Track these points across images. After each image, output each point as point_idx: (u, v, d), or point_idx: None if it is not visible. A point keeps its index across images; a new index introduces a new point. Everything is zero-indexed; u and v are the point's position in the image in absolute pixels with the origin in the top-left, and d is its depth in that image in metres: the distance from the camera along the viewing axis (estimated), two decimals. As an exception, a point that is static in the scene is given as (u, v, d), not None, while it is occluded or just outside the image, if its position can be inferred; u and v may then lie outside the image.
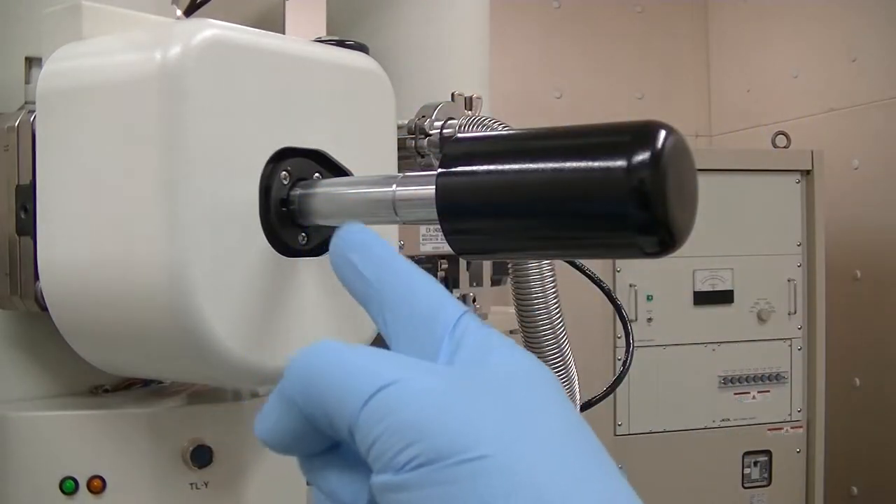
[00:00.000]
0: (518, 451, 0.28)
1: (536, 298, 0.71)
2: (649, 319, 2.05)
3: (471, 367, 0.31)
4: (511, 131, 0.41)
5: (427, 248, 0.93)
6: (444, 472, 0.28)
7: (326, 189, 0.47)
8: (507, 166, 0.37)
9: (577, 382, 0.76)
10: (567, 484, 0.28)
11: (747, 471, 2.10)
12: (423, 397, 0.29)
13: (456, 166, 0.39)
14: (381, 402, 0.29)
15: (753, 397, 2.10)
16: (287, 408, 0.31)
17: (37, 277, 0.50)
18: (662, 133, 0.33)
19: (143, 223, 0.44)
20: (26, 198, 0.51)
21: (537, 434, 0.29)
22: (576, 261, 0.85)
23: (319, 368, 0.31)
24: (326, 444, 0.32)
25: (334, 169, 0.50)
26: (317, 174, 0.49)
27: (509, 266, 0.74)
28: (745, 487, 2.09)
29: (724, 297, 2.08)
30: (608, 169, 0.34)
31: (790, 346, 2.12)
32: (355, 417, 0.29)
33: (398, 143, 0.58)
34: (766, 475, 2.11)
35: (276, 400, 0.32)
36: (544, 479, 0.28)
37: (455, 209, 0.39)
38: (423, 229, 0.93)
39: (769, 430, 2.11)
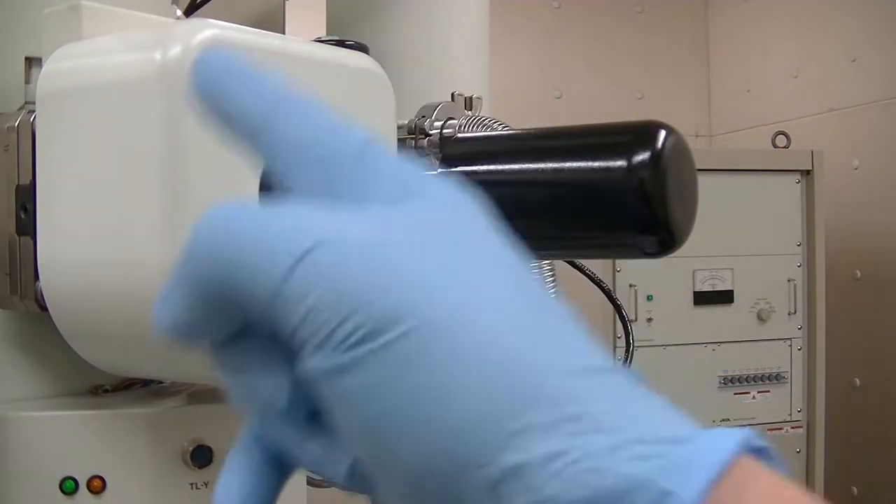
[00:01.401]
0: (470, 313, 0.24)
1: (536, 298, 0.71)
2: (649, 319, 2.05)
3: (399, 208, 0.26)
4: (511, 131, 0.41)
5: (427, 248, 0.93)
6: (392, 346, 0.23)
7: (326, 189, 0.47)
8: (507, 166, 0.37)
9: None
10: (520, 343, 0.24)
11: (747, 471, 2.10)
12: (358, 257, 0.24)
13: (456, 166, 0.39)
14: (306, 269, 0.24)
15: (753, 397, 2.10)
16: (191, 293, 0.26)
17: (37, 277, 0.50)
18: (662, 133, 0.33)
19: (142, 223, 0.44)
20: (26, 198, 0.51)
21: (487, 288, 0.25)
22: (576, 261, 0.85)
23: (229, 235, 0.25)
24: (235, 328, 0.27)
25: (334, 169, 0.50)
26: (317, 174, 0.49)
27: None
28: (745, 487, 2.09)
29: (724, 297, 2.08)
30: (608, 169, 0.34)
31: (790, 346, 2.11)
32: (279, 289, 0.24)
33: (398, 143, 0.58)
34: (766, 475, 2.11)
35: (177, 280, 0.27)
36: (499, 340, 0.24)
37: (455, 209, 0.39)
38: (423, 229, 0.93)
39: (769, 430, 2.10)
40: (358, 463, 0.26)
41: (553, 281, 0.72)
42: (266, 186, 0.46)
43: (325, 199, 0.27)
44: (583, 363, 0.25)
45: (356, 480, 0.26)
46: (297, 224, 0.25)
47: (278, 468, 0.28)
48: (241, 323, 0.27)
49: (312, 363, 0.24)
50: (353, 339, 0.23)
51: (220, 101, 0.29)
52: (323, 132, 0.28)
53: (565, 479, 0.22)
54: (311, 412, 0.26)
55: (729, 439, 0.23)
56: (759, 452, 0.24)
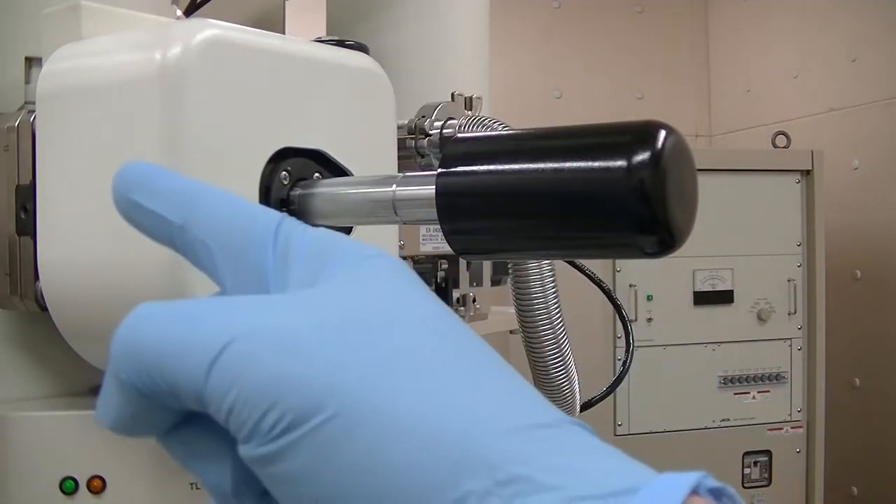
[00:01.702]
0: (390, 390, 0.24)
1: (536, 298, 0.71)
2: (649, 319, 2.05)
3: (313, 290, 0.27)
4: (511, 131, 0.41)
5: (427, 248, 0.93)
6: (316, 433, 0.24)
7: (326, 189, 0.47)
8: (507, 166, 0.37)
9: (577, 382, 0.76)
10: (449, 411, 0.24)
11: (747, 471, 2.10)
12: (272, 348, 0.25)
13: (456, 166, 0.39)
14: (225, 364, 0.25)
15: (753, 397, 2.10)
16: (124, 393, 0.27)
17: (37, 277, 0.50)
18: (662, 133, 0.33)
19: (143, 223, 0.44)
20: (26, 198, 0.51)
21: (409, 360, 0.25)
22: (576, 261, 0.85)
23: (147, 338, 0.26)
24: (175, 419, 0.28)
25: (334, 169, 0.50)
26: (317, 174, 0.49)
27: (509, 266, 0.73)
28: (746, 487, 2.09)
29: (724, 297, 2.08)
30: (608, 169, 0.34)
31: (790, 346, 2.11)
32: (201, 389, 0.25)
33: (398, 143, 0.58)
34: (766, 475, 2.11)
35: (110, 386, 0.28)
36: (431, 415, 0.24)
37: (455, 209, 0.39)
38: (423, 229, 0.93)
39: (769, 430, 2.11)
40: None
41: (553, 281, 0.72)
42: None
43: (243, 286, 0.28)
44: (524, 421, 0.24)
45: None
46: (211, 323, 0.25)
47: None
48: (179, 414, 0.28)
49: (245, 452, 0.25)
50: (277, 430, 0.24)
51: (136, 210, 0.31)
52: (234, 220, 0.29)
53: None
54: (264, 488, 0.27)
55: (680, 485, 0.22)
56: (717, 494, 0.23)
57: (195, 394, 0.25)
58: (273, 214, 0.30)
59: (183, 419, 0.28)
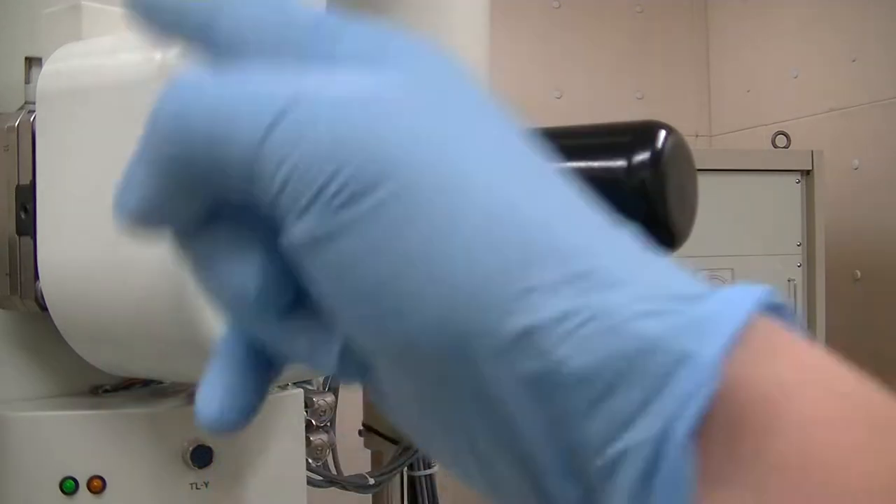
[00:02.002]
0: (466, 165, 0.22)
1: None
2: (649, 319, 2.05)
3: (380, 66, 0.23)
4: (511, 131, 0.41)
5: (427, 248, 0.93)
6: (384, 205, 0.21)
7: (326, 189, 0.47)
8: (507, 166, 0.37)
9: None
10: (522, 196, 0.22)
11: (747, 471, 2.10)
12: (342, 111, 0.22)
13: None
14: (285, 129, 0.21)
15: (753, 397, 2.10)
16: (157, 165, 0.24)
17: (37, 277, 0.50)
18: (662, 133, 0.33)
19: (143, 223, 0.44)
20: (26, 198, 0.51)
21: (484, 142, 0.23)
22: (576, 261, 0.85)
23: (198, 102, 0.23)
24: (202, 211, 0.24)
25: (334, 169, 0.50)
26: (317, 174, 0.49)
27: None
28: (745, 487, 2.10)
29: (724, 297, 2.08)
30: (608, 169, 0.34)
31: (790, 346, 2.11)
32: (256, 153, 0.22)
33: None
34: (766, 475, 2.11)
35: (141, 160, 0.25)
36: (508, 196, 0.22)
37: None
38: (423, 229, 0.93)
39: (769, 430, 2.10)
40: (349, 347, 0.23)
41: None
42: None
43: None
44: (588, 219, 0.23)
45: (347, 366, 0.24)
46: (270, 84, 0.22)
47: (264, 365, 0.26)
48: (210, 206, 0.24)
49: (298, 231, 0.21)
50: (341, 199, 0.21)
51: (153, 9, 0.27)
52: (272, 12, 0.25)
53: (576, 342, 0.20)
54: (291, 301, 0.24)
55: (746, 297, 0.21)
56: (776, 310, 0.22)
57: (246, 164, 0.22)
58: (315, 8, 0.25)
59: (205, 219, 0.24)
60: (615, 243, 0.22)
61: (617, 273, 0.21)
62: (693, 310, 0.21)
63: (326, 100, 0.22)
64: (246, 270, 0.24)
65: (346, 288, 0.22)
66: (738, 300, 0.21)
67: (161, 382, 0.60)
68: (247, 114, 0.22)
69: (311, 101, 0.22)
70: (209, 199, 0.24)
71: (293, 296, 0.24)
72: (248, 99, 0.22)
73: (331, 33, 0.24)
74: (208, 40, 0.26)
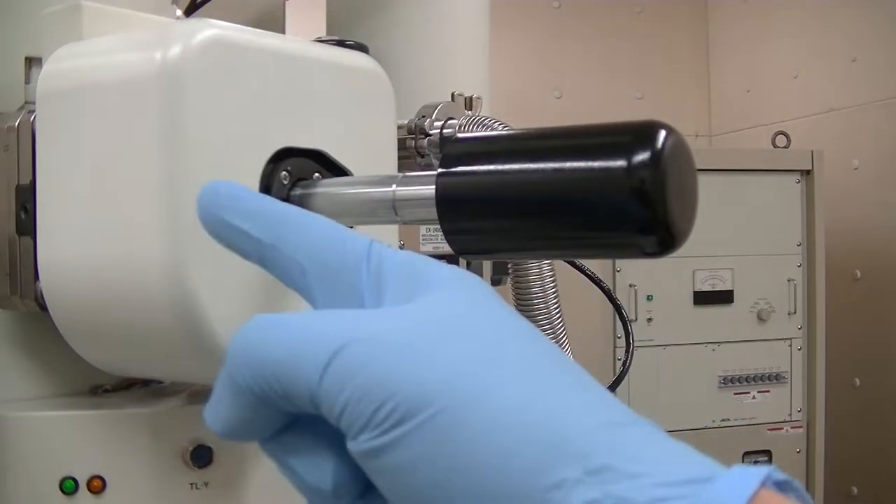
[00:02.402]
0: (495, 384, 0.27)
1: (536, 298, 0.71)
2: (649, 319, 2.05)
3: (411, 304, 0.30)
4: (511, 131, 0.41)
5: (427, 248, 0.93)
6: (427, 424, 0.26)
7: (326, 189, 0.47)
8: (507, 166, 0.37)
9: (577, 382, 0.76)
10: (544, 407, 0.26)
11: (747, 471, 2.10)
12: (383, 350, 0.27)
13: (456, 166, 0.39)
14: (339, 367, 0.27)
15: (753, 397, 2.10)
16: (237, 393, 0.29)
17: (37, 277, 0.50)
18: (662, 133, 0.33)
19: (143, 223, 0.44)
20: (26, 198, 0.51)
21: (506, 362, 0.28)
22: (576, 261, 0.85)
23: (265, 345, 0.29)
24: (282, 422, 0.30)
25: (334, 169, 0.50)
26: (317, 174, 0.49)
27: (509, 266, 0.74)
28: (745, 487, 2.09)
29: (724, 297, 2.08)
30: (608, 169, 0.34)
31: (790, 346, 2.11)
32: (316, 389, 0.27)
33: (398, 143, 0.58)
34: (766, 475, 2.11)
35: (224, 386, 0.30)
36: (529, 409, 0.26)
37: (455, 209, 0.39)
38: (423, 229, 0.93)
39: (769, 430, 2.11)
40: None
41: (553, 281, 0.72)
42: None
43: (339, 305, 0.31)
44: (604, 418, 0.27)
45: None
46: (325, 327, 0.28)
47: None
48: (287, 417, 0.30)
49: (357, 445, 0.27)
50: (389, 422, 0.26)
51: (224, 228, 0.34)
52: (326, 242, 0.32)
53: None
54: (363, 489, 0.29)
55: (751, 476, 0.24)
56: (783, 486, 0.25)
57: (309, 394, 0.27)
58: (363, 238, 0.32)
59: (287, 423, 0.30)
60: (632, 438, 0.27)
61: (634, 465, 0.25)
62: (704, 492, 0.24)
63: (372, 343, 0.27)
64: (321, 470, 0.29)
65: (400, 488, 0.27)
66: (746, 479, 0.24)
67: (161, 382, 0.60)
68: (306, 357, 0.28)
69: (359, 344, 0.27)
70: (284, 416, 0.30)
71: (363, 486, 0.29)
72: (307, 345, 0.28)
73: (378, 264, 0.31)
74: (266, 265, 0.33)
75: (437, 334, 0.28)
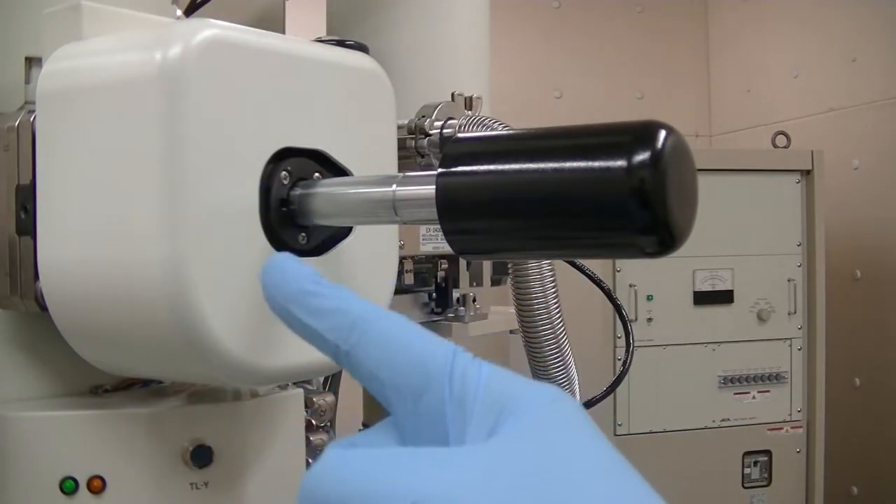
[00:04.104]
0: None
1: (536, 298, 0.71)
2: (649, 319, 2.05)
3: (493, 446, 0.28)
4: (511, 131, 0.41)
5: (427, 248, 0.93)
6: None
7: (326, 189, 0.47)
8: (507, 166, 0.37)
9: (577, 382, 0.76)
10: None
11: (747, 471, 2.10)
12: None
13: (456, 166, 0.39)
14: None
15: (753, 397, 2.10)
16: None
17: (37, 277, 0.50)
18: (662, 133, 0.33)
19: (143, 223, 0.44)
20: (26, 198, 0.51)
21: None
22: (576, 261, 0.85)
23: (333, 490, 0.28)
24: None
25: (334, 169, 0.50)
26: (317, 174, 0.49)
27: (509, 266, 0.74)
28: (745, 487, 2.09)
29: (724, 297, 2.08)
30: (608, 169, 0.34)
31: (790, 346, 2.11)
32: None
33: (398, 143, 0.58)
34: (766, 475, 2.11)
35: None
36: None
37: (455, 209, 0.39)
38: (423, 229, 0.93)
39: (769, 430, 2.11)
40: None
41: (553, 281, 0.72)
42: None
43: (419, 427, 0.29)
44: None
45: None
46: (398, 478, 0.27)
47: None
48: None
49: None
50: None
51: (294, 322, 0.32)
52: (405, 355, 0.30)
53: None
54: None
55: None
56: None
57: None
58: (445, 351, 0.30)
59: None
60: None
61: None
62: None
63: (445, 502, 0.26)
64: None
65: None
66: None
67: (161, 382, 0.60)
68: None
69: (431, 499, 0.26)
70: None
71: None
72: (379, 498, 0.27)
73: (462, 387, 0.29)
74: (342, 363, 0.32)
75: (518, 492, 0.26)
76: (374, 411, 1.03)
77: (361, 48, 0.56)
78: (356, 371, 0.31)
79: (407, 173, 0.43)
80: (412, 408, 0.30)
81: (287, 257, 0.34)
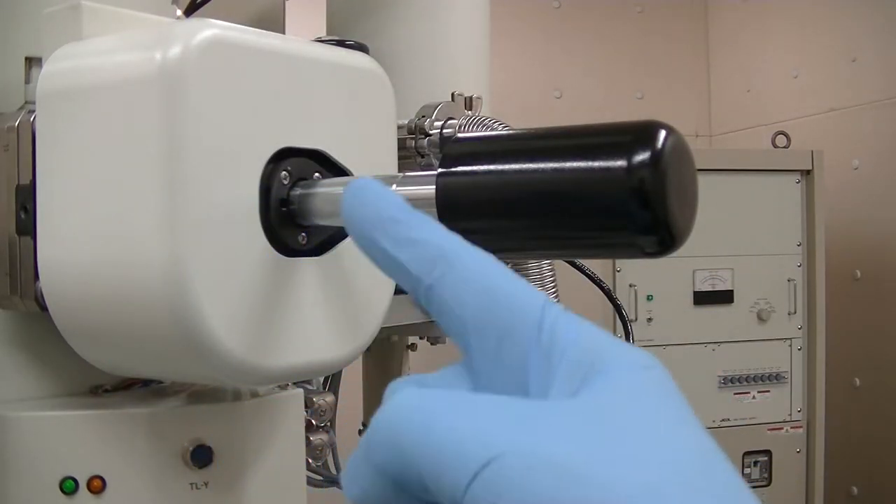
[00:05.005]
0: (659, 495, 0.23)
1: (536, 298, 0.71)
2: (649, 319, 2.05)
3: (579, 403, 0.26)
4: (511, 131, 0.41)
5: (427, 248, 0.93)
6: None
7: (326, 189, 0.47)
8: (507, 166, 0.37)
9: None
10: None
11: (747, 471, 2.10)
12: (536, 470, 0.24)
13: (456, 166, 0.39)
14: (485, 483, 0.24)
15: (753, 397, 2.10)
16: (376, 474, 0.27)
17: (37, 277, 0.50)
18: (662, 133, 0.33)
19: (143, 223, 0.44)
20: (26, 198, 0.51)
21: (675, 489, 0.24)
22: (576, 261, 0.85)
23: (410, 434, 0.26)
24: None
25: (334, 169, 0.50)
26: (317, 174, 0.49)
27: (509, 266, 0.73)
28: (745, 487, 2.09)
29: (724, 297, 2.08)
30: (608, 169, 0.34)
31: (790, 346, 2.11)
32: (461, 495, 0.24)
33: (398, 143, 0.58)
34: (766, 475, 2.11)
35: (363, 463, 0.27)
36: None
37: (455, 209, 0.39)
38: (423, 229, 0.93)
39: (769, 430, 2.10)
40: None
41: (553, 281, 0.72)
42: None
43: (500, 376, 0.27)
44: None
45: None
46: (478, 428, 0.25)
47: None
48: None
49: None
50: None
51: (376, 251, 0.30)
52: (493, 296, 0.28)
53: None
54: None
55: None
56: None
57: (452, 500, 0.24)
58: (535, 298, 0.28)
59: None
60: None
61: None
62: None
63: (528, 459, 0.24)
64: None
65: None
66: None
67: (161, 382, 0.60)
68: (453, 462, 0.24)
69: (514, 458, 0.24)
70: (417, 500, 0.27)
71: None
72: (456, 447, 0.25)
73: (551, 338, 0.27)
74: (422, 299, 0.29)
75: (597, 449, 0.24)
76: (374, 411, 1.03)
77: (361, 48, 0.56)
78: (437, 307, 0.29)
79: (407, 173, 0.43)
80: (493, 352, 0.28)
81: (372, 180, 0.31)
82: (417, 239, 0.29)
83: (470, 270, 0.29)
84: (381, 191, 0.31)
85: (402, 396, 0.27)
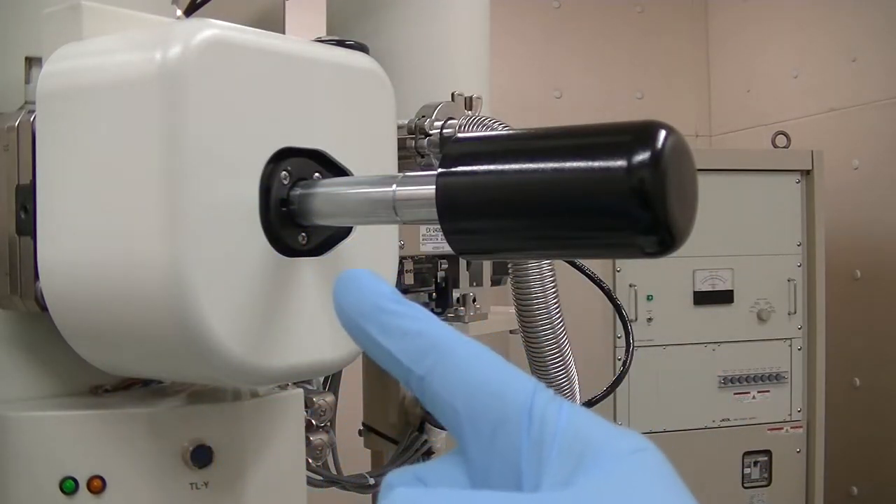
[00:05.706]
0: None
1: (536, 298, 0.71)
2: (649, 319, 2.05)
3: (570, 495, 0.26)
4: (511, 131, 0.41)
5: (427, 248, 0.93)
6: None
7: (326, 189, 0.47)
8: (507, 166, 0.37)
9: (577, 382, 0.76)
10: None
11: (747, 471, 2.10)
12: None
13: (456, 166, 0.39)
14: None
15: (753, 397, 2.10)
16: None
17: (37, 277, 0.50)
18: (662, 133, 0.33)
19: (143, 223, 0.44)
20: (26, 198, 0.51)
21: None
22: (576, 261, 0.85)
23: None
24: None
25: (334, 169, 0.50)
26: (317, 174, 0.49)
27: (509, 266, 0.74)
28: (745, 487, 2.09)
29: (724, 297, 2.08)
30: (608, 169, 0.34)
31: (790, 346, 2.11)
32: None
33: (398, 143, 0.58)
34: (766, 475, 2.11)
35: None
36: None
37: (455, 209, 0.39)
38: (423, 229, 0.93)
39: (769, 430, 2.10)
40: None
41: (553, 281, 0.72)
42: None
43: (493, 465, 0.27)
44: None
45: None
46: None
47: None
48: None
49: None
50: None
51: (367, 341, 0.30)
52: (484, 387, 0.28)
53: None
54: None
55: None
56: None
57: None
58: (525, 385, 0.28)
59: None
60: None
61: None
62: None
63: None
64: None
65: None
66: None
67: (161, 382, 0.60)
68: None
69: None
70: None
71: None
72: None
73: (541, 427, 0.27)
74: (414, 389, 0.29)
75: None
76: (374, 411, 1.03)
77: (361, 48, 0.56)
78: (429, 398, 0.29)
79: (407, 173, 0.43)
80: (487, 441, 0.28)
81: (364, 271, 0.32)
82: (408, 329, 0.30)
83: (461, 360, 0.29)
84: (372, 281, 0.31)
85: (401, 498, 0.26)
